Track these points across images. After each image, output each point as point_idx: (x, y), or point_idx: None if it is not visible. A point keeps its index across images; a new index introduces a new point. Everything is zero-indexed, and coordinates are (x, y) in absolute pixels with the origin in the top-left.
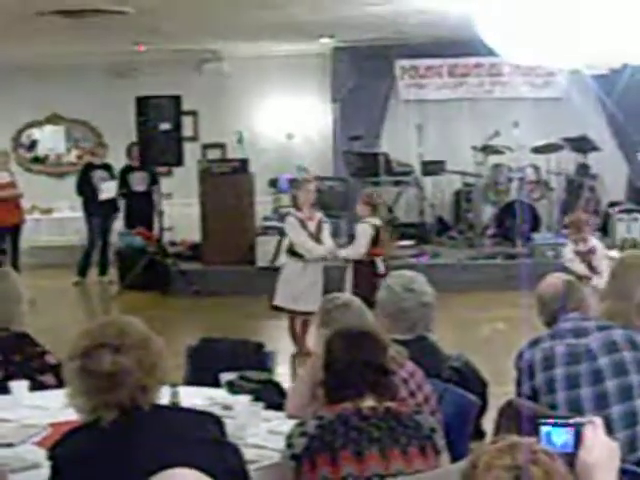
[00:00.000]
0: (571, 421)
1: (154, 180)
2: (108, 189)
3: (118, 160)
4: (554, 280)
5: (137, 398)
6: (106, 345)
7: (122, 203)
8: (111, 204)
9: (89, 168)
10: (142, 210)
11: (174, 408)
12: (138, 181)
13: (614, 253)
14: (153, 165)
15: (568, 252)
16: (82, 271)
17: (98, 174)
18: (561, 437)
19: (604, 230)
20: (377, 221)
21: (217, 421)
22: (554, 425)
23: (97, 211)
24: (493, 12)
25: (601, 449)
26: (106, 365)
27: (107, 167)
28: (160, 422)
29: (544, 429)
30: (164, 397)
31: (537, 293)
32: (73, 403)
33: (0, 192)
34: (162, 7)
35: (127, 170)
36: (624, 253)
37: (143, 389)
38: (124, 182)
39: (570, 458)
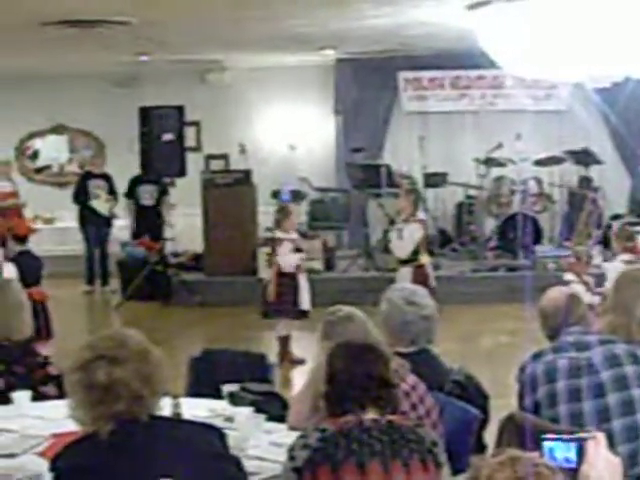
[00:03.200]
0: (573, 436)
1: (164, 191)
2: (101, 204)
3: (121, 170)
4: (556, 294)
5: (134, 409)
6: (103, 357)
7: (130, 212)
8: (104, 215)
9: (87, 177)
10: (150, 223)
11: (174, 419)
12: (146, 195)
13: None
14: (157, 176)
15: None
16: (89, 280)
17: (94, 183)
18: (564, 452)
19: (606, 243)
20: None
21: (219, 433)
22: (557, 440)
23: (91, 220)
24: (496, 26)
25: (603, 465)
26: (101, 377)
27: (106, 177)
28: (159, 433)
29: (547, 444)
30: (166, 408)
31: (539, 307)
32: (73, 415)
33: (1, 202)
34: (166, 18)
35: (136, 181)
36: (626, 268)
37: (140, 400)
38: (131, 193)
39: (573, 473)
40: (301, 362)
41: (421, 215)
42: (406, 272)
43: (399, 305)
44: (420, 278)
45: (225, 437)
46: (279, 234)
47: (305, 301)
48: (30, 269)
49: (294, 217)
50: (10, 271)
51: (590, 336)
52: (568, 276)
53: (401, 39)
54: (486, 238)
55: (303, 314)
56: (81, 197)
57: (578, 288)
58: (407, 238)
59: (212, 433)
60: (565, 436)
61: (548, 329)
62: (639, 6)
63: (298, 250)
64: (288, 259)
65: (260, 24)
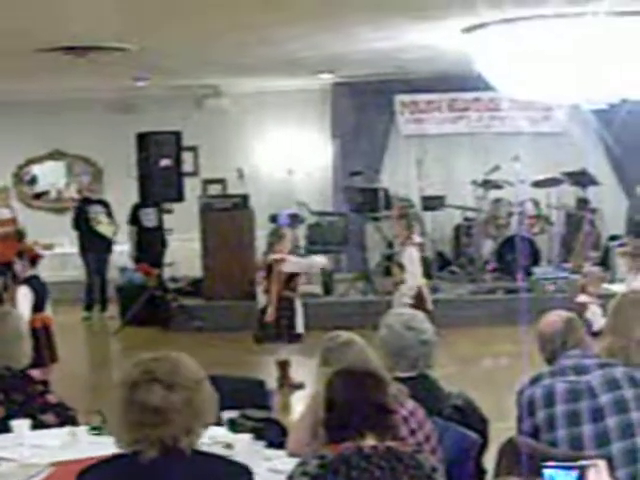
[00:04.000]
0: (574, 464)
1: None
2: (106, 228)
3: (119, 196)
4: (554, 317)
5: (180, 439)
6: (158, 380)
7: (131, 238)
8: (105, 241)
9: (85, 203)
10: (152, 246)
11: (214, 455)
12: (148, 217)
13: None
14: (154, 201)
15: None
16: (88, 306)
17: (94, 209)
18: None
19: (604, 264)
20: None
21: (249, 475)
22: (557, 468)
23: (92, 246)
24: (491, 49)
25: None
26: (156, 400)
27: (104, 203)
28: (199, 468)
29: (547, 472)
30: None
31: (538, 330)
32: (113, 432)
33: (1, 228)
34: (162, 44)
35: (138, 206)
36: (624, 290)
37: (188, 431)
38: (134, 219)
39: None
40: (300, 387)
41: (417, 238)
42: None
43: (398, 330)
44: (417, 301)
45: (253, 478)
46: (276, 256)
47: (300, 324)
48: (41, 293)
49: (287, 241)
50: (24, 293)
51: (589, 359)
52: (582, 298)
53: (398, 62)
54: (484, 260)
55: (298, 337)
56: (81, 223)
57: (595, 310)
58: (409, 264)
59: (245, 474)
60: (566, 464)
61: (547, 353)
62: (633, 29)
63: (294, 275)
64: (298, 262)
65: (257, 49)
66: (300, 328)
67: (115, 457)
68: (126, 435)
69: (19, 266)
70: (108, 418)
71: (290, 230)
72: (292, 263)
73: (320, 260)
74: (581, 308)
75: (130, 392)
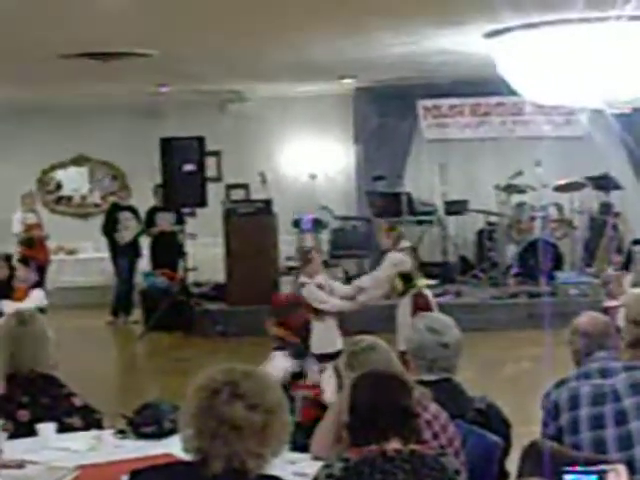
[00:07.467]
0: (594, 468)
1: (180, 220)
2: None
3: (142, 201)
4: (595, 317)
5: (248, 461)
6: (242, 397)
7: (147, 243)
8: (134, 246)
9: (115, 209)
10: (167, 250)
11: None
12: (164, 221)
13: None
14: (178, 206)
15: None
16: (115, 311)
17: (124, 215)
18: None
19: (627, 268)
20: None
21: None
22: (577, 473)
23: (122, 251)
24: (513, 53)
25: None
26: (236, 416)
27: (132, 210)
28: None
29: (568, 477)
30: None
31: (577, 326)
32: (182, 434)
33: (27, 233)
34: (185, 50)
35: (154, 210)
36: None
37: (257, 455)
38: (151, 222)
39: None
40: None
41: (405, 243)
42: (405, 302)
43: (420, 331)
44: (421, 305)
45: None
46: (303, 279)
47: (325, 344)
48: None
49: (315, 264)
50: (39, 297)
51: (615, 362)
52: (610, 302)
53: (420, 67)
54: (507, 265)
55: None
56: (112, 230)
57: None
58: (384, 267)
59: None
60: (585, 468)
61: (584, 347)
62: None
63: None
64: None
65: (280, 54)
66: (321, 348)
67: (175, 464)
68: (196, 441)
69: (22, 272)
70: (180, 418)
71: (314, 236)
72: (309, 294)
73: (340, 304)
74: (612, 312)
75: (209, 399)
